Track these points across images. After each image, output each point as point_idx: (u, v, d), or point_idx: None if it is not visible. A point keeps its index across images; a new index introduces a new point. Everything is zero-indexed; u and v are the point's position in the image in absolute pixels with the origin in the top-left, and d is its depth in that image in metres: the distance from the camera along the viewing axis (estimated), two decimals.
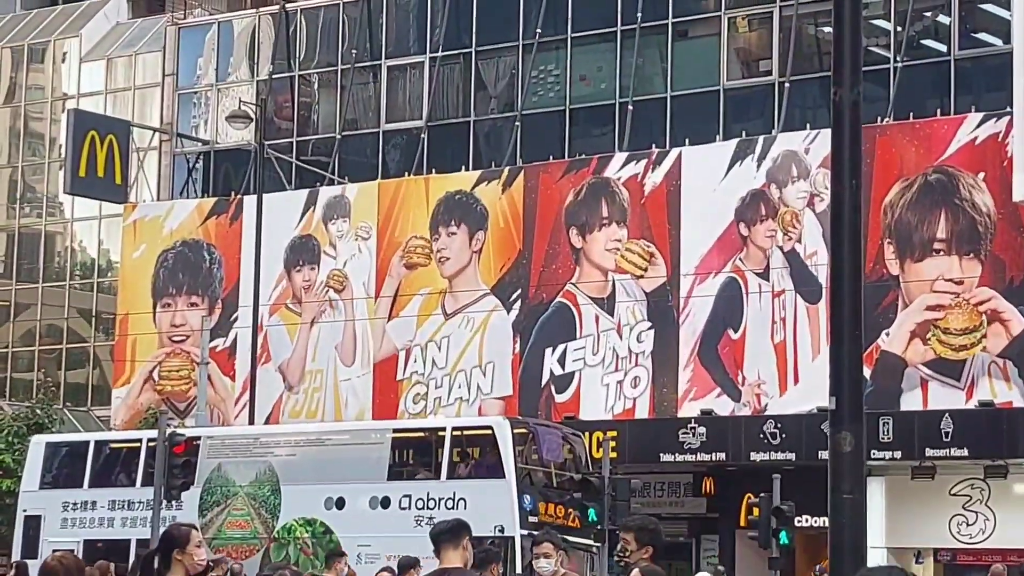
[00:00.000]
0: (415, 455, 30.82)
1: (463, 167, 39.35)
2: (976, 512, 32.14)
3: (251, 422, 37.54)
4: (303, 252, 40.67)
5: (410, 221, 39.24)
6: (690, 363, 35.39)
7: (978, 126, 32.70)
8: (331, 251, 40.34)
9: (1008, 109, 31.67)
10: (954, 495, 32.17)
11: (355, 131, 42.15)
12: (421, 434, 31.96)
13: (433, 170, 39.74)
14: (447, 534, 9.37)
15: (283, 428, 36.54)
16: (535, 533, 27.79)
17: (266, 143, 39.94)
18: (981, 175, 32.53)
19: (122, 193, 43.57)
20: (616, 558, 9.62)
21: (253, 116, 40.32)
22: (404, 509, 28.75)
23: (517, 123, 39.18)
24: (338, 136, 42.20)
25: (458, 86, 40.64)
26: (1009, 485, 31.56)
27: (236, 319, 41.10)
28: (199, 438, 31.39)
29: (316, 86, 43.38)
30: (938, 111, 33.77)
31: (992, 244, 32.34)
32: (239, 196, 41.97)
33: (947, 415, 31.05)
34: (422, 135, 40.56)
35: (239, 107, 41.13)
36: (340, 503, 29.63)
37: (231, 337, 41.36)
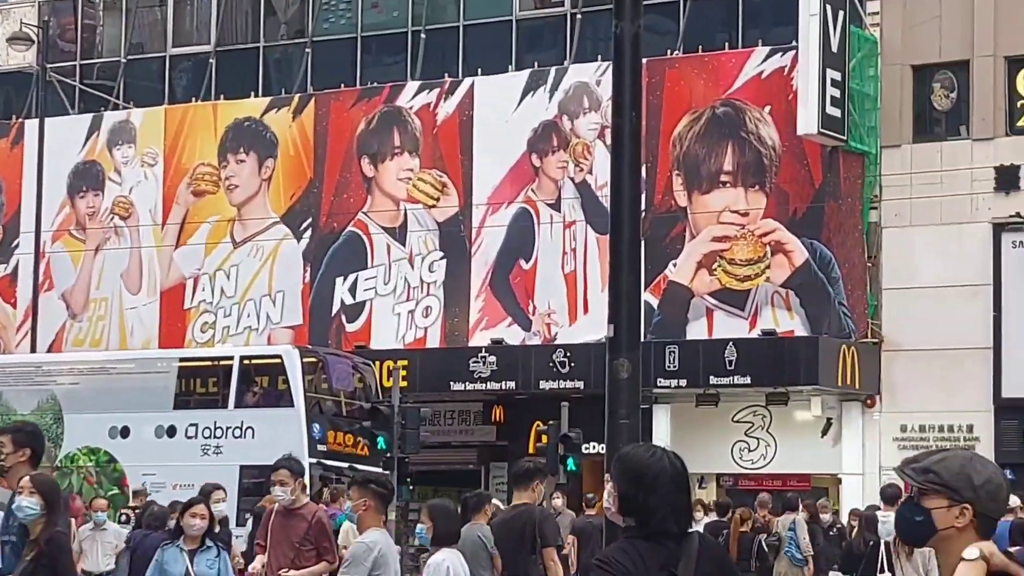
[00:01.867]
0: (202, 384, 30.58)
1: (252, 94, 38.83)
2: (757, 438, 32.92)
3: (33, 350, 36.90)
4: (87, 178, 39.88)
5: (198, 148, 38.68)
6: (481, 293, 35.54)
7: (764, 60, 33.22)
8: (116, 177, 39.62)
9: (793, 44, 32.22)
10: (737, 422, 32.89)
11: (141, 55, 41.27)
12: (208, 363, 31.68)
13: (222, 96, 39.15)
14: (520, 477, 11.77)
15: (66, 356, 35.95)
16: (323, 462, 28.02)
17: (48, 66, 38.98)
18: (767, 108, 33.08)
19: None
20: None
21: (35, 38, 39.24)
22: (190, 438, 28.53)
23: (308, 50, 38.74)
24: (123, 60, 41.29)
25: (247, 11, 39.99)
26: (789, 412, 32.36)
27: (17, 245, 40.22)
28: None
29: (100, 8, 42.32)
30: (726, 44, 34.22)
31: (777, 177, 32.95)
32: (20, 120, 40.94)
33: (731, 344, 31.65)
34: (210, 60, 39.87)
35: (20, 29, 39.97)
36: (125, 432, 29.28)
37: (12, 264, 40.48)
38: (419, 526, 10.29)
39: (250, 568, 12.47)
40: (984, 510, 4.63)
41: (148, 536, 18.20)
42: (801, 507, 23.12)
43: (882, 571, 18.92)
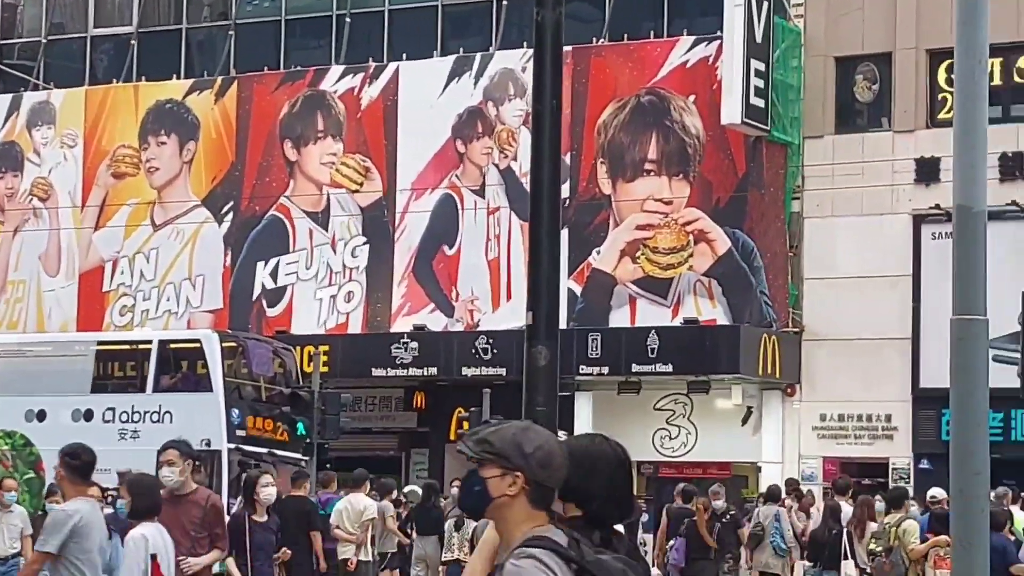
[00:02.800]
0: (120, 368, 30.32)
1: (175, 76, 38.52)
2: (679, 426, 33.05)
3: None
4: (6, 159, 39.47)
5: (118, 129, 38.34)
6: (404, 279, 35.44)
7: (689, 49, 33.32)
8: (35, 158, 39.21)
9: (718, 34, 32.33)
10: (658, 410, 33.01)
11: (62, 35, 40.84)
12: (126, 346, 31.40)
13: (143, 78, 38.81)
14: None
15: None
16: (242, 447, 27.84)
17: None
18: (692, 98, 33.19)
19: None
20: None
21: None
22: (108, 422, 28.28)
23: (231, 32, 38.46)
24: (44, 40, 40.82)
25: None
26: (711, 400, 32.51)
27: None
28: None
29: None
30: (652, 33, 34.28)
31: (700, 166, 33.07)
32: None
33: (653, 332, 31.75)
34: (132, 41, 39.50)
35: None
36: (41, 415, 28.95)
37: None
38: (119, 501, 11.52)
39: None
40: (536, 478, 4.77)
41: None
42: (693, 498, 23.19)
43: (845, 558, 19.23)
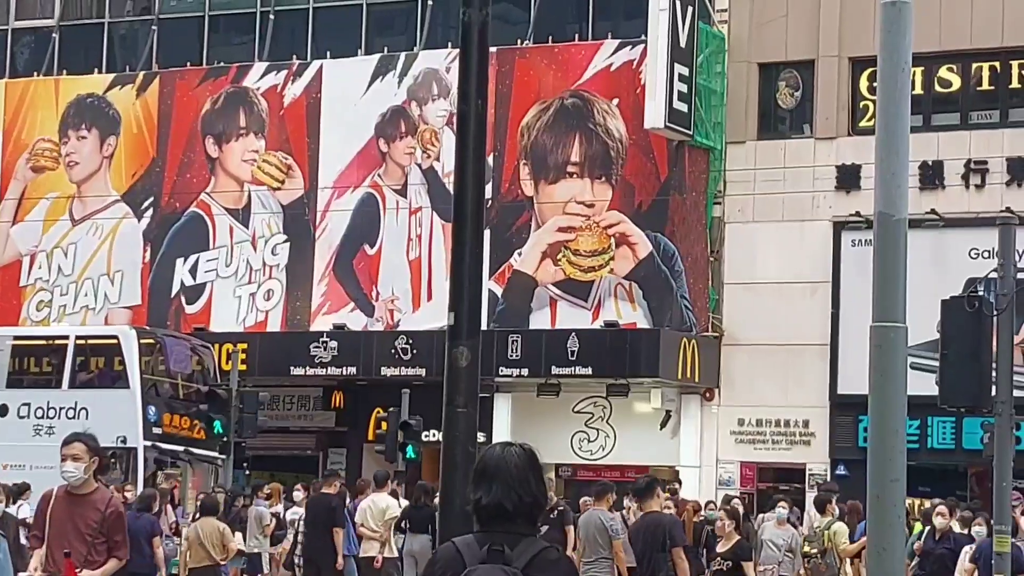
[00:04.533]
0: (36, 363, 30.06)
1: (96, 70, 38.20)
2: (597, 429, 33.12)
3: None
4: None
5: (38, 123, 37.98)
6: (325, 277, 35.32)
7: (614, 53, 33.42)
8: None
9: (643, 38, 32.43)
10: (577, 412, 33.06)
11: None
12: (43, 342, 31.17)
13: (64, 72, 38.45)
14: (644, 490, 14.14)
15: None
16: (158, 445, 27.65)
17: None
18: (615, 101, 33.28)
19: None
20: None
21: None
22: (23, 418, 28.02)
23: (154, 27, 38.17)
24: None
25: None
26: (630, 403, 32.59)
27: None
28: None
29: None
30: (576, 36, 34.35)
31: (623, 169, 33.16)
32: None
33: (574, 334, 31.80)
34: (53, 34, 39.12)
35: None
36: None
37: None
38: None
39: (30, 568, 10.27)
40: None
41: (139, 517, 18.74)
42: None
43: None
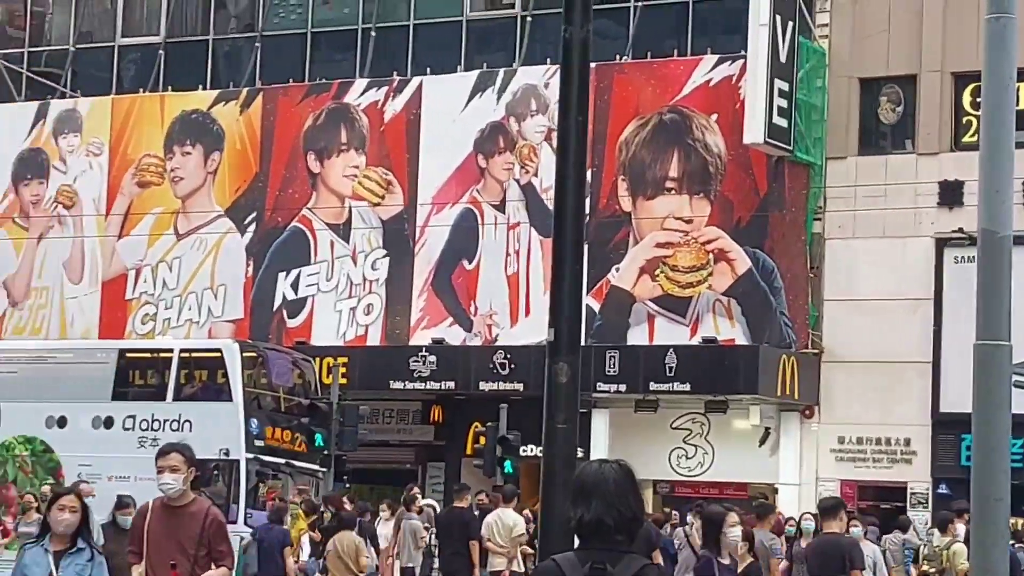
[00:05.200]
0: (141, 376, 30.42)
1: (200, 86, 38.66)
2: (695, 446, 32.99)
3: None
4: (31, 166, 39.63)
5: (144, 139, 38.48)
6: (424, 292, 35.49)
7: (713, 68, 33.33)
8: (61, 166, 39.38)
9: (742, 53, 32.33)
10: (675, 428, 32.96)
11: (90, 44, 41.01)
12: (148, 355, 31.54)
13: (169, 88, 38.96)
14: (828, 511, 14.05)
15: (4, 344, 35.75)
16: (260, 457, 27.91)
17: None
18: (714, 116, 33.19)
19: None
20: None
21: None
22: (128, 430, 28.38)
23: (257, 44, 38.59)
24: (72, 49, 41.02)
25: (197, 3, 39.83)
26: (728, 420, 32.45)
27: None
28: None
29: None
30: (675, 51, 34.31)
31: (722, 185, 33.06)
32: None
33: (671, 350, 31.71)
34: (159, 51, 39.66)
35: None
36: (62, 422, 29.08)
37: None
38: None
39: None
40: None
41: (271, 529, 19.19)
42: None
43: None
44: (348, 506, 24.03)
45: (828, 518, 14.18)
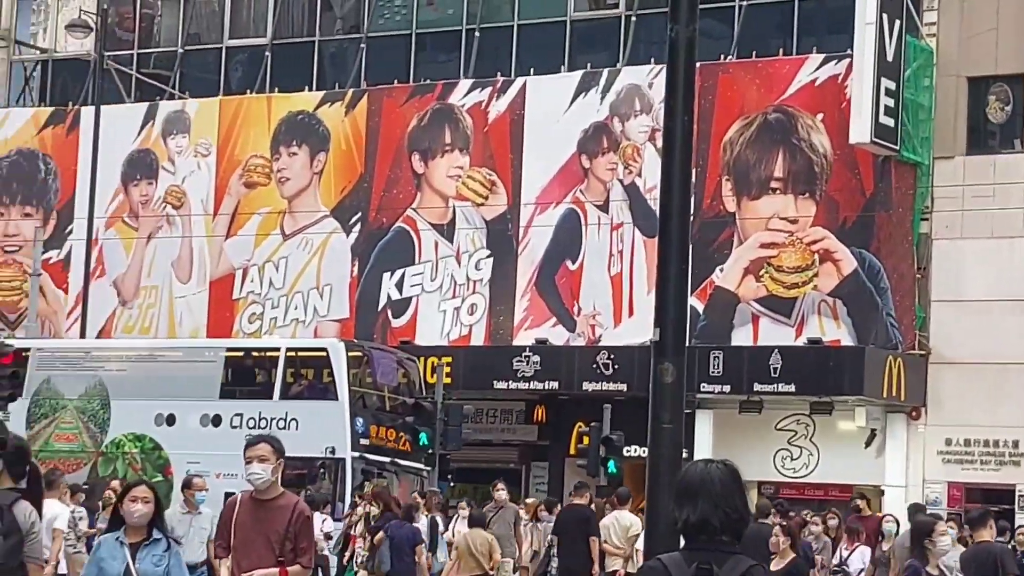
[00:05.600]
0: (248, 374, 30.72)
1: (306, 87, 38.99)
2: (800, 447, 32.81)
3: (83, 336, 37.13)
4: (141, 166, 40.14)
5: (251, 139, 38.87)
6: (527, 292, 35.58)
7: (818, 67, 33.13)
8: (169, 166, 39.86)
9: (848, 52, 32.11)
10: (780, 430, 32.79)
11: (198, 46, 41.51)
12: (255, 353, 31.84)
13: (276, 89, 39.33)
14: (976, 520, 13.94)
15: (114, 343, 36.22)
16: (366, 456, 28.11)
17: (106, 54, 39.25)
18: (820, 116, 32.98)
19: None
20: None
21: (93, 26, 39.52)
22: (235, 428, 28.65)
23: (363, 45, 38.87)
24: (180, 50, 41.55)
25: (304, 5, 40.19)
26: (833, 422, 32.24)
27: (71, 231, 40.51)
28: (28, 349, 30.94)
29: None
30: (780, 51, 34.14)
31: (827, 185, 32.85)
32: (77, 107, 41.24)
33: (776, 351, 31.56)
34: (266, 53, 40.06)
35: (79, 16, 40.27)
36: (171, 420, 29.46)
37: (65, 249, 40.75)
38: None
39: None
40: None
41: (402, 526, 19.58)
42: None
43: None
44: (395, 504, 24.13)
45: (978, 527, 14.32)
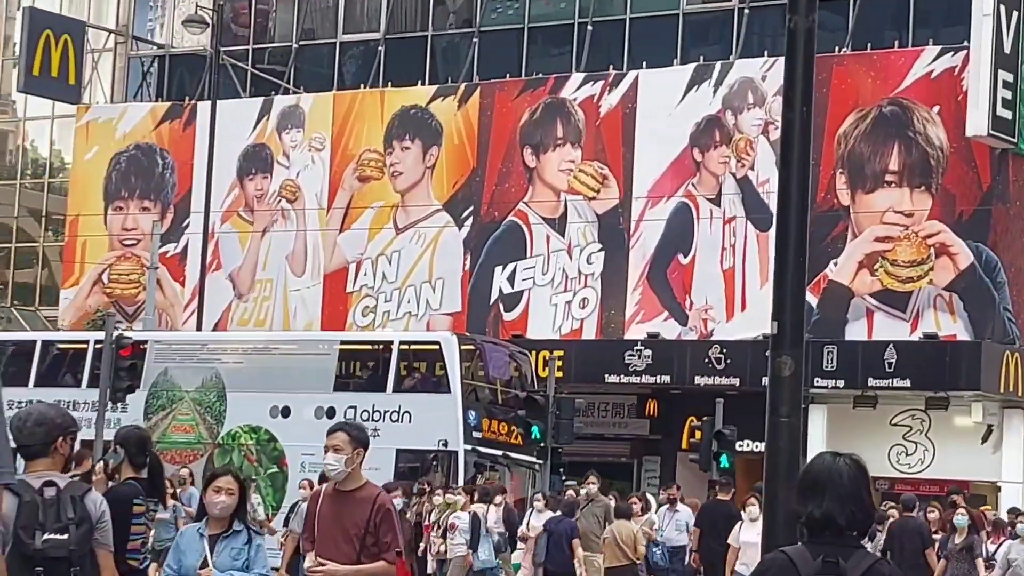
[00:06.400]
0: (362, 367, 30.92)
1: (419, 82, 39.19)
2: (916, 442, 32.51)
3: (199, 328, 37.54)
4: (256, 161, 40.54)
5: (364, 134, 39.13)
6: (639, 286, 35.52)
7: (935, 59, 32.78)
8: (284, 161, 40.23)
9: (965, 44, 31.74)
10: (895, 425, 32.51)
11: (312, 41, 41.89)
12: (369, 346, 32.07)
13: (389, 83, 39.57)
14: None
15: (231, 335, 36.59)
16: (478, 448, 28.22)
17: (222, 49, 39.69)
18: (936, 108, 32.64)
19: (75, 94, 43.23)
20: None
21: (209, 21, 39.99)
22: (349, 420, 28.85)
23: (475, 39, 39.01)
24: (295, 45, 41.95)
25: (416, 0, 40.42)
26: (949, 417, 31.91)
27: (188, 225, 41.00)
28: (146, 342, 31.34)
29: None
30: (896, 43, 33.81)
31: (943, 178, 32.50)
32: (193, 102, 41.75)
33: (891, 346, 31.30)
34: (379, 48, 40.34)
35: (195, 12, 40.77)
36: (285, 412, 29.70)
37: (182, 243, 41.26)
38: None
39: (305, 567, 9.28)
40: None
41: (561, 521, 20.18)
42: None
43: None
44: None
45: None
